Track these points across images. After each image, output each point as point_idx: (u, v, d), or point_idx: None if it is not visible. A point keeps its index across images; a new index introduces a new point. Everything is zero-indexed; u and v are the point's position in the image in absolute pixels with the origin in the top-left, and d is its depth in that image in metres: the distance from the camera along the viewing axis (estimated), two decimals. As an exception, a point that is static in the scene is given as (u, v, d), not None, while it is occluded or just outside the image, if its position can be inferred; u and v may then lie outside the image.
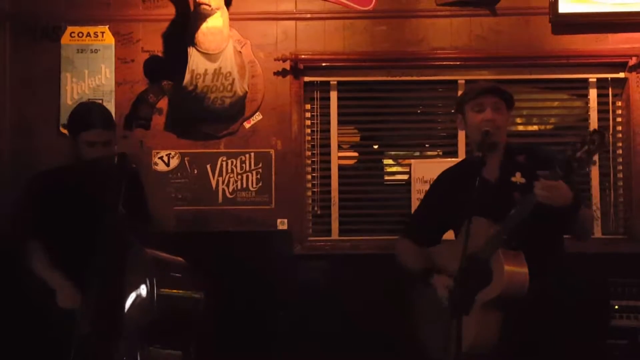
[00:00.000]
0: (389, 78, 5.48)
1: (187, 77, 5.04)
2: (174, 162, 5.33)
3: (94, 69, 5.32)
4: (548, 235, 3.19)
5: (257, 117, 5.34)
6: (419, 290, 3.51)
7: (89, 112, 3.54)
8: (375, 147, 5.74)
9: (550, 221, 3.08)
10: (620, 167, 5.44)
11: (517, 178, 3.27)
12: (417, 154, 5.59)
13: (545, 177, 2.98)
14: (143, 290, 3.12)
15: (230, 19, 5.10)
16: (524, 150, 3.40)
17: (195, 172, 5.33)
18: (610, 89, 5.43)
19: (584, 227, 3.27)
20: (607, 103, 5.43)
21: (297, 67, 5.33)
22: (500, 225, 3.14)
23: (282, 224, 5.30)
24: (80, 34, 5.33)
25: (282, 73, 5.33)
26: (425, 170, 5.38)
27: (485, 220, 3.18)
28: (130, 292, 3.14)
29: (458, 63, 5.41)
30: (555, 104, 5.67)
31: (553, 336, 3.14)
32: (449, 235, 3.62)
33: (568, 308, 3.20)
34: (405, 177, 5.50)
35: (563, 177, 2.98)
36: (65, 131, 4.89)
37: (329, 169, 5.49)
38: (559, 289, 3.20)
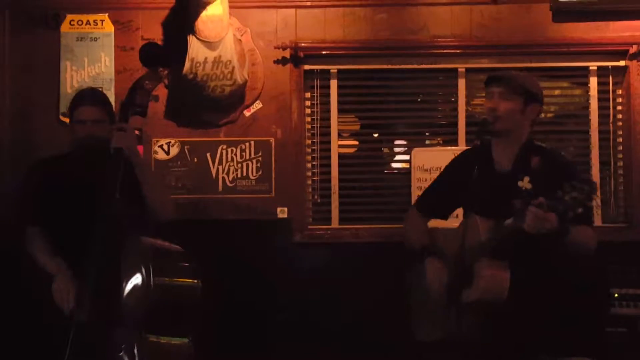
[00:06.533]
0: (389, 66, 5.47)
1: (187, 65, 5.03)
2: (174, 151, 5.32)
3: (94, 57, 5.31)
4: (539, 250, 3.07)
5: (257, 105, 5.33)
6: (416, 271, 3.45)
7: (80, 93, 3.67)
8: (376, 135, 5.72)
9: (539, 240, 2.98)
10: (621, 156, 5.43)
11: (524, 183, 3.11)
12: (418, 142, 5.58)
13: (539, 206, 2.84)
14: (139, 278, 3.11)
15: (230, 7, 5.09)
16: (541, 152, 3.22)
17: (195, 160, 5.33)
18: (610, 77, 5.43)
19: (578, 249, 3.13)
20: (608, 91, 5.42)
21: (297, 55, 5.32)
22: (490, 234, 3.08)
23: (282, 213, 5.30)
24: (80, 22, 5.32)
25: (282, 61, 5.32)
26: (426, 159, 5.37)
27: (480, 220, 3.13)
28: (127, 280, 3.14)
29: (458, 51, 5.39)
30: (556, 92, 5.64)
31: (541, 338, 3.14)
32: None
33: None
34: (406, 165, 5.50)
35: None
36: (66, 119, 4.90)
37: (329, 158, 5.48)
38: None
